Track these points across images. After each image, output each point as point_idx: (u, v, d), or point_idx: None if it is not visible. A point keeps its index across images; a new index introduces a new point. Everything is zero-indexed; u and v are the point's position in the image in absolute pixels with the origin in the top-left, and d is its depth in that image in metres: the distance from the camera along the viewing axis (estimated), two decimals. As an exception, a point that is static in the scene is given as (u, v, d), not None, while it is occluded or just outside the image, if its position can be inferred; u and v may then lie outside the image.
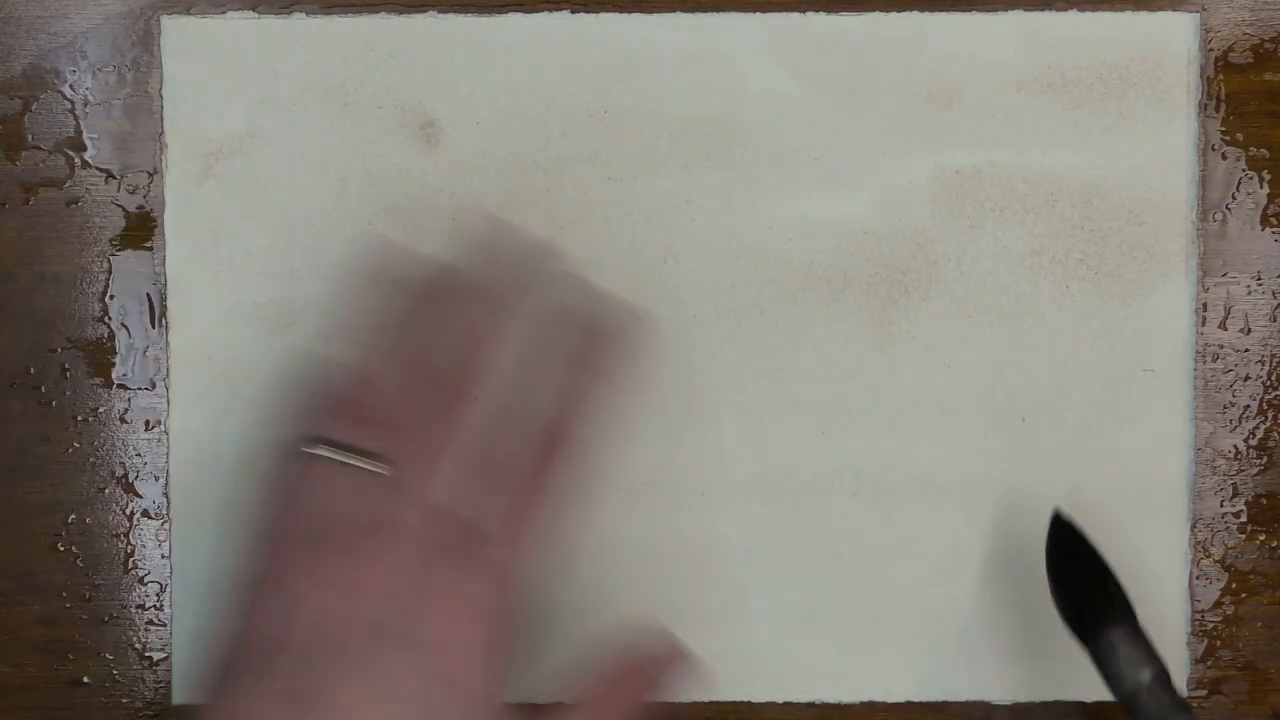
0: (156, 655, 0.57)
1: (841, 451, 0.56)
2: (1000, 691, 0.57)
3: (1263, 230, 0.56)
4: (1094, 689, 0.57)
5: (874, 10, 0.55)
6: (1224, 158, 0.56)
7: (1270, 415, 0.56)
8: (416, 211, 0.55)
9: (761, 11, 0.55)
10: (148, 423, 0.56)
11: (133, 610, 0.57)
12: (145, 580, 0.57)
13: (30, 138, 0.56)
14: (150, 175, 0.56)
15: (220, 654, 0.45)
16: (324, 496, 0.45)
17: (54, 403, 0.56)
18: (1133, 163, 0.55)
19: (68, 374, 0.56)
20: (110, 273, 0.56)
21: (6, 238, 0.56)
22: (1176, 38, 0.55)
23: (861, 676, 0.57)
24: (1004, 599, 0.56)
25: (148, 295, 0.56)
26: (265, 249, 0.55)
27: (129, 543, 0.57)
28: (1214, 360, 0.56)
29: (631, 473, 0.56)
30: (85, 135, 0.56)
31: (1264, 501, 0.57)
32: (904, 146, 0.55)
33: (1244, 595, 0.57)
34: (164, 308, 0.56)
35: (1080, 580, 0.52)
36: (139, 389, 0.56)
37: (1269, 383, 0.56)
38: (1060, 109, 0.55)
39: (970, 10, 0.55)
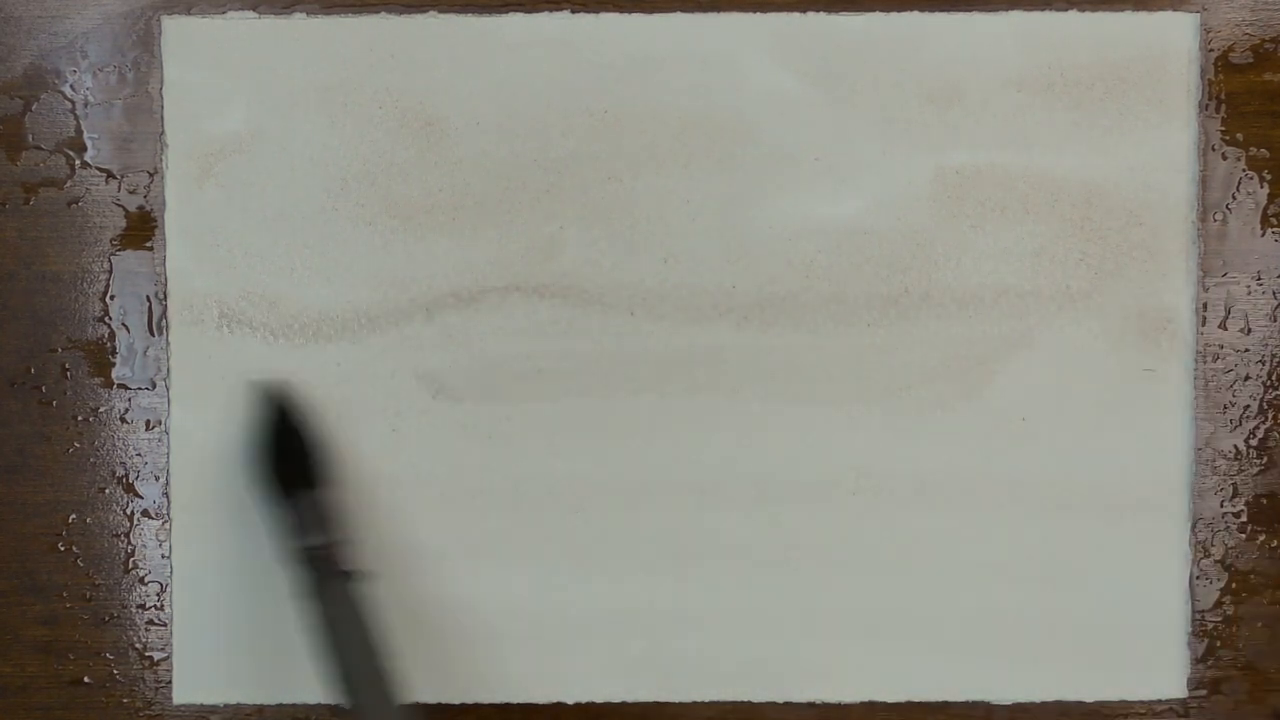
0: (156, 655, 0.57)
1: (842, 451, 0.56)
2: (1000, 691, 0.57)
3: (1263, 230, 0.56)
4: (1094, 689, 0.57)
5: (874, 10, 0.55)
6: (1224, 158, 0.56)
7: (1270, 415, 0.56)
8: (416, 211, 0.55)
9: (762, 11, 0.55)
10: (148, 423, 0.56)
11: (133, 610, 0.57)
12: (145, 580, 0.57)
13: (31, 138, 0.56)
14: (150, 175, 0.56)
15: None
16: None
17: (54, 403, 0.56)
18: (1133, 163, 0.55)
19: (68, 374, 0.56)
20: (110, 273, 0.56)
21: (7, 238, 0.56)
22: (1176, 38, 0.55)
23: (861, 676, 0.57)
24: (1003, 599, 0.56)
25: (148, 295, 0.56)
26: (265, 249, 0.55)
27: (129, 543, 0.57)
28: (1214, 360, 0.56)
29: (631, 473, 0.56)
30: (86, 135, 0.56)
31: (1264, 501, 0.57)
32: (904, 146, 0.55)
33: (1244, 595, 0.57)
34: (164, 307, 0.56)
35: (284, 444, 0.54)
36: (139, 389, 0.56)
37: (1269, 383, 0.56)
38: (1060, 109, 0.55)
39: (970, 10, 0.55)
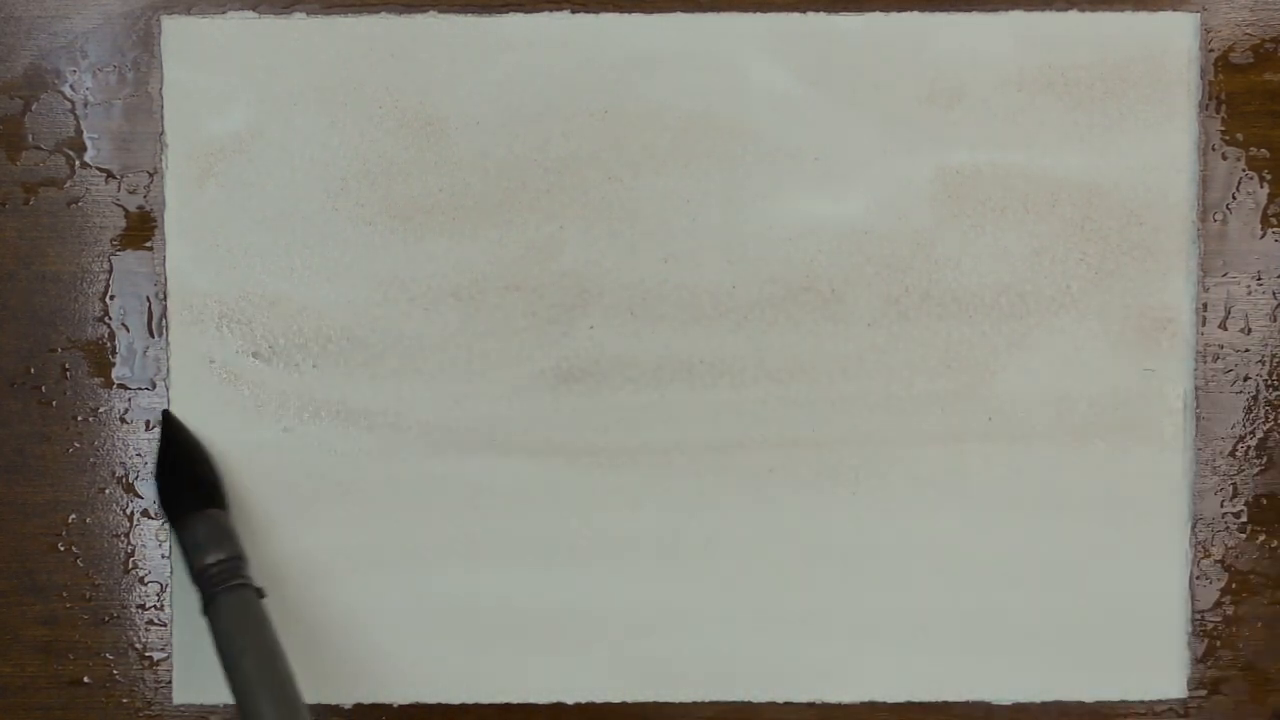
0: (156, 655, 0.57)
1: (841, 451, 0.56)
2: (1000, 691, 0.57)
3: (1263, 230, 0.56)
4: (1094, 689, 0.57)
5: (874, 10, 0.55)
6: (1224, 158, 0.56)
7: (1270, 415, 0.56)
8: (416, 211, 0.55)
9: (762, 11, 0.55)
10: (148, 423, 0.56)
11: (133, 610, 0.57)
12: (145, 580, 0.57)
13: (31, 138, 0.56)
14: (150, 175, 0.56)
15: None
16: None
17: (54, 403, 0.56)
18: (1133, 163, 0.55)
19: (68, 374, 0.56)
20: (110, 273, 0.56)
21: (6, 238, 0.56)
22: (1176, 38, 0.55)
23: (861, 676, 0.57)
24: (1003, 599, 0.56)
25: (147, 295, 0.56)
26: (265, 249, 0.55)
27: (129, 543, 0.57)
28: (1214, 360, 0.56)
29: (631, 473, 0.56)
30: (85, 135, 0.56)
31: (1264, 501, 0.57)
32: (904, 146, 0.55)
33: (1244, 595, 0.57)
34: (164, 307, 0.56)
35: (180, 469, 0.55)
36: (139, 389, 0.56)
37: (1269, 383, 0.56)
38: (1060, 109, 0.55)
39: (970, 10, 0.55)
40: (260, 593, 0.52)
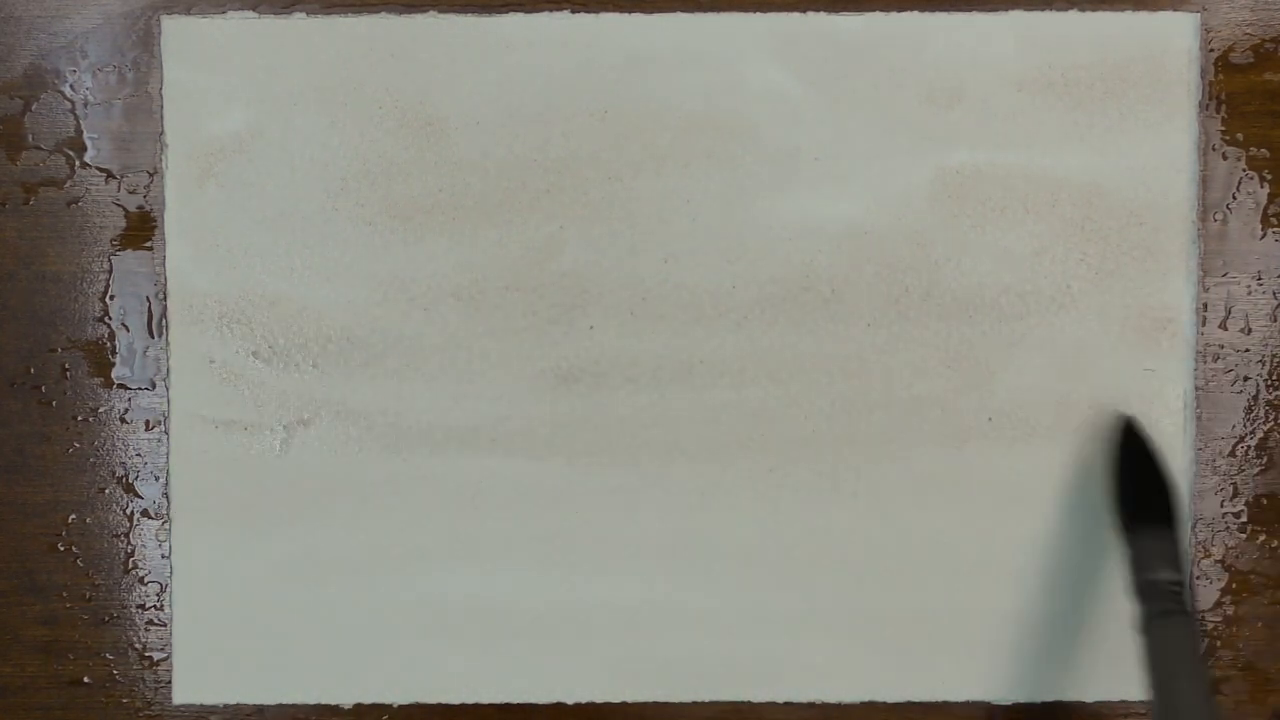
0: (156, 655, 0.57)
1: (841, 451, 0.56)
2: (1000, 691, 0.57)
3: (1263, 230, 0.56)
4: (1094, 689, 0.57)
5: (874, 10, 0.55)
6: (1224, 158, 0.56)
7: (1270, 415, 0.56)
8: (416, 211, 0.55)
9: (762, 11, 0.55)
10: (148, 423, 0.56)
11: (133, 610, 0.57)
12: (145, 580, 0.57)
13: (30, 138, 0.56)
14: (150, 175, 0.56)
15: None
16: None
17: (54, 403, 0.56)
18: (1133, 163, 0.55)
19: (68, 374, 0.56)
20: (110, 273, 0.56)
21: (6, 238, 0.56)
22: (1176, 38, 0.55)
23: (861, 676, 0.57)
24: (1003, 599, 0.56)
25: (147, 295, 0.56)
26: (265, 249, 0.55)
27: (129, 543, 0.57)
28: (1214, 360, 0.56)
29: (631, 474, 0.56)
30: (85, 135, 0.56)
31: (1264, 501, 0.57)
32: (904, 146, 0.55)
33: (1244, 595, 0.57)
34: (164, 307, 0.56)
35: (1140, 476, 0.54)
36: (139, 389, 0.56)
37: (1269, 382, 0.56)
38: (1060, 109, 0.55)
39: (970, 10, 0.55)
40: (1198, 623, 0.51)
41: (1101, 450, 0.55)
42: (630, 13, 0.55)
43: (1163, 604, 0.50)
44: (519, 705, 0.57)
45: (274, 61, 0.55)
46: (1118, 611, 0.56)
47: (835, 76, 0.55)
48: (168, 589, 0.56)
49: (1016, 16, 0.55)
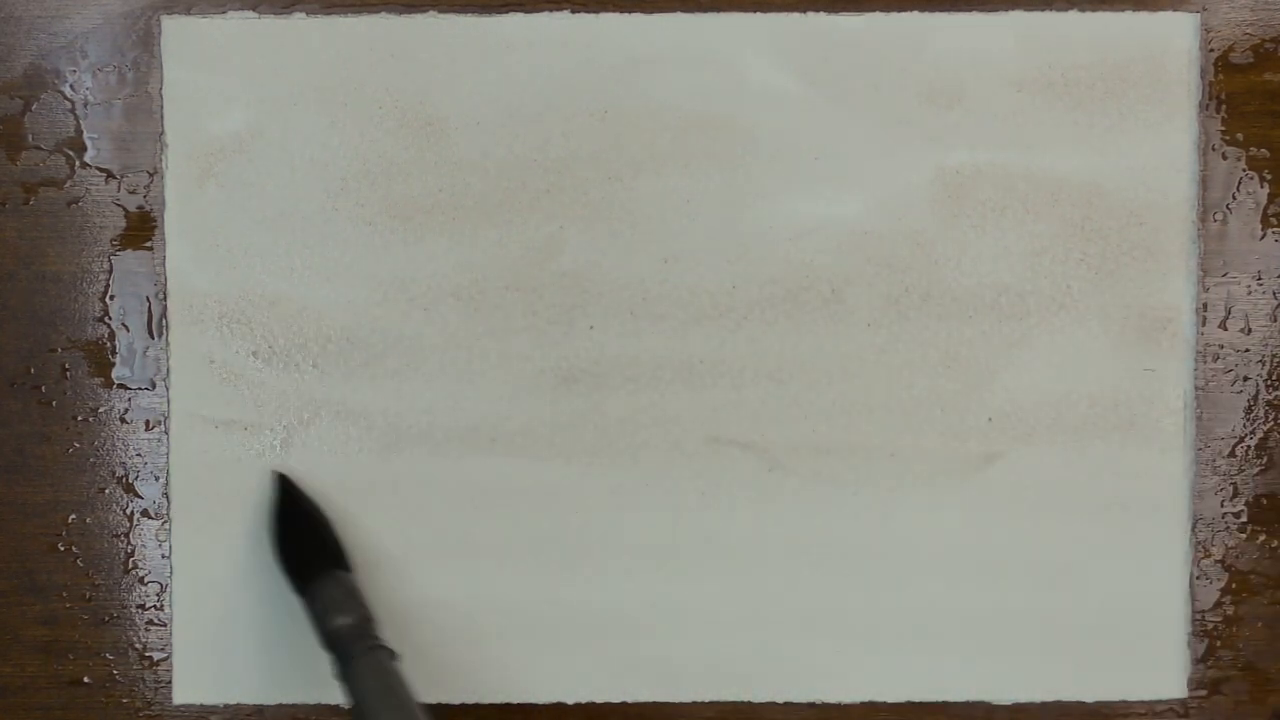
0: (156, 655, 0.57)
1: (841, 451, 0.56)
2: (1000, 691, 0.57)
3: (1263, 230, 0.56)
4: (1094, 689, 0.57)
5: (874, 10, 0.55)
6: (1224, 158, 0.56)
7: (1270, 415, 0.56)
8: (416, 211, 0.55)
9: (762, 11, 0.55)
10: (148, 423, 0.56)
11: (133, 610, 0.57)
12: (145, 580, 0.57)
13: (30, 138, 0.56)
14: (150, 175, 0.56)
15: None
16: None
17: (54, 403, 0.56)
18: (1133, 163, 0.55)
19: (68, 374, 0.56)
20: (110, 273, 0.56)
21: (6, 238, 0.56)
22: (1176, 38, 0.55)
23: (861, 676, 0.57)
24: (1003, 599, 0.56)
25: (147, 295, 0.56)
26: (265, 249, 0.55)
27: (129, 543, 0.57)
28: (1214, 360, 0.56)
29: (631, 473, 0.56)
30: (85, 135, 0.56)
31: (1264, 501, 0.57)
32: (904, 146, 0.55)
33: (1244, 595, 0.57)
34: (164, 307, 0.56)
35: (304, 533, 0.54)
36: (139, 389, 0.56)
37: (1269, 383, 0.56)
38: (1060, 109, 0.55)
39: (970, 10, 0.55)
40: (393, 654, 0.51)
41: (263, 519, 0.55)
42: (630, 13, 0.55)
43: (348, 649, 0.50)
44: (519, 705, 0.57)
45: (274, 61, 0.55)
46: (1118, 611, 0.56)
47: (835, 76, 0.55)
48: (168, 589, 0.56)
49: (1016, 16, 0.55)
